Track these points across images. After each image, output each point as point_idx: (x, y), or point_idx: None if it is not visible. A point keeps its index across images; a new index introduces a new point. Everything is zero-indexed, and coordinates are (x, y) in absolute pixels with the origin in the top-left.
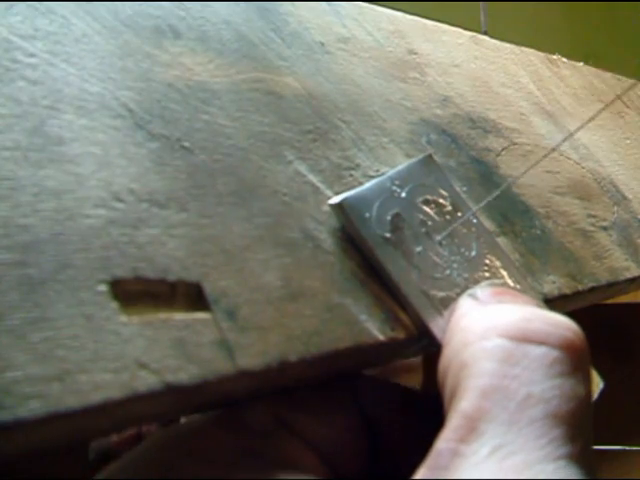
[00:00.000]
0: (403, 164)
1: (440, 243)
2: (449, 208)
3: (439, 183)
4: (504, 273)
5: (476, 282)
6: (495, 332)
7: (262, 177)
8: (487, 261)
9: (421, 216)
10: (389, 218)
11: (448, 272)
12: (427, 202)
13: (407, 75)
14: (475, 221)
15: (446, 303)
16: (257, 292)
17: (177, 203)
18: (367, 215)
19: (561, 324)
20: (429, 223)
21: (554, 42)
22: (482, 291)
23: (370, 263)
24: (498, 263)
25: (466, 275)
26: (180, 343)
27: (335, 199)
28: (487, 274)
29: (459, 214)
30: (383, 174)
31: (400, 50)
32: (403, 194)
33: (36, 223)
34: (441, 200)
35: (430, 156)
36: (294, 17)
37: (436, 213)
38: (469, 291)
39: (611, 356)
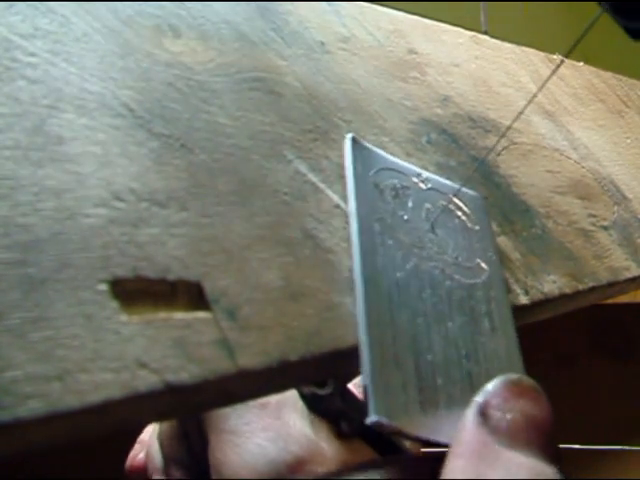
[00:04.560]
0: (451, 182)
1: (432, 228)
2: (471, 229)
3: (478, 218)
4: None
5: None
6: None
7: (262, 176)
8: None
9: (429, 206)
10: (393, 181)
11: (426, 245)
12: (447, 209)
13: (407, 74)
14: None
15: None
16: (257, 291)
17: (177, 202)
18: (372, 163)
19: None
20: (435, 215)
21: (554, 42)
22: (495, 411)
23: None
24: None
25: (449, 259)
26: (180, 342)
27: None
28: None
29: (478, 245)
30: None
31: (400, 50)
32: (423, 186)
33: (36, 222)
34: (465, 219)
35: (485, 198)
36: (294, 16)
37: (451, 221)
38: (478, 399)
39: (611, 356)
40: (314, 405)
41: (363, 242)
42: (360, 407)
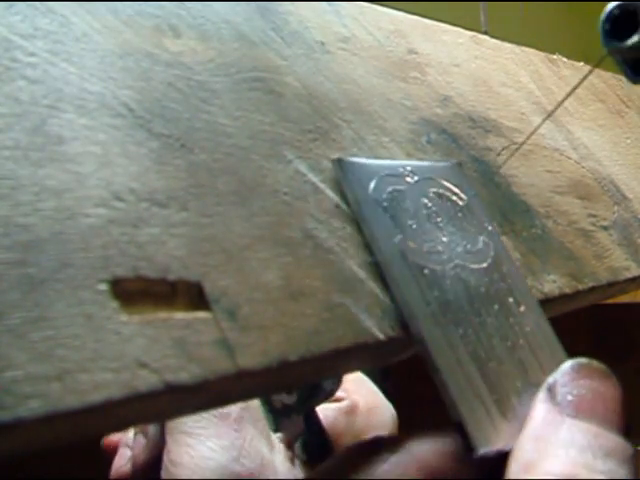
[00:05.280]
0: (426, 161)
1: (438, 226)
2: (463, 206)
3: (462, 188)
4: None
5: (471, 255)
6: (549, 474)
7: (262, 176)
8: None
9: (425, 201)
10: (389, 189)
11: (440, 248)
12: (439, 195)
13: (407, 74)
14: (490, 228)
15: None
16: (257, 291)
17: (177, 202)
18: (365, 179)
19: None
20: (433, 209)
21: (554, 42)
22: (561, 387)
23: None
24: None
25: (460, 249)
26: (180, 342)
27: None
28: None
29: (474, 222)
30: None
31: (400, 49)
32: (411, 180)
33: (36, 222)
34: (455, 198)
35: (459, 164)
36: (294, 16)
37: (445, 206)
38: (550, 381)
39: (611, 356)
40: (278, 421)
41: (400, 278)
42: (320, 433)
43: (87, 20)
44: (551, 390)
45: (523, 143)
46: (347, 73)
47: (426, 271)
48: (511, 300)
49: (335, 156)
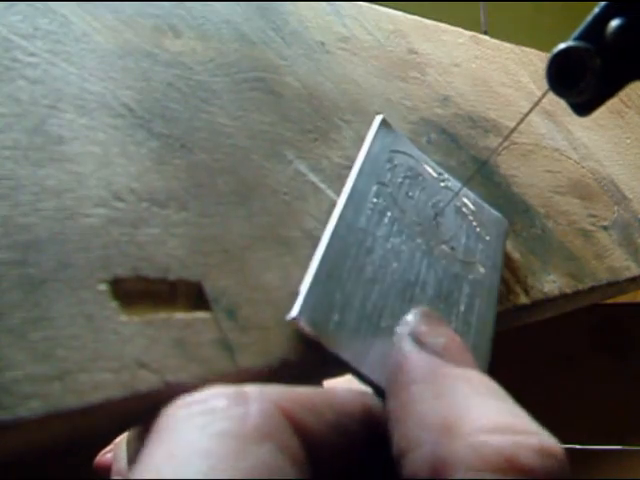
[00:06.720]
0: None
1: (435, 216)
2: (479, 231)
3: (491, 229)
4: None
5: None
6: (483, 428)
7: (262, 176)
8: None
9: (440, 199)
10: (411, 165)
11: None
12: (461, 212)
13: (407, 74)
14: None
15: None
16: (257, 291)
17: (177, 202)
18: (393, 146)
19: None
20: (442, 206)
21: (554, 42)
22: (427, 336)
23: None
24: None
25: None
26: (180, 342)
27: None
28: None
29: (481, 248)
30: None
31: (400, 49)
32: (440, 184)
33: (36, 222)
34: (475, 224)
35: (510, 224)
36: (294, 16)
37: (460, 218)
38: (405, 330)
39: (611, 356)
40: None
41: (354, 192)
42: None
43: (87, 20)
44: (419, 341)
45: (513, 130)
46: (347, 73)
47: (388, 214)
48: (461, 310)
49: (335, 155)
